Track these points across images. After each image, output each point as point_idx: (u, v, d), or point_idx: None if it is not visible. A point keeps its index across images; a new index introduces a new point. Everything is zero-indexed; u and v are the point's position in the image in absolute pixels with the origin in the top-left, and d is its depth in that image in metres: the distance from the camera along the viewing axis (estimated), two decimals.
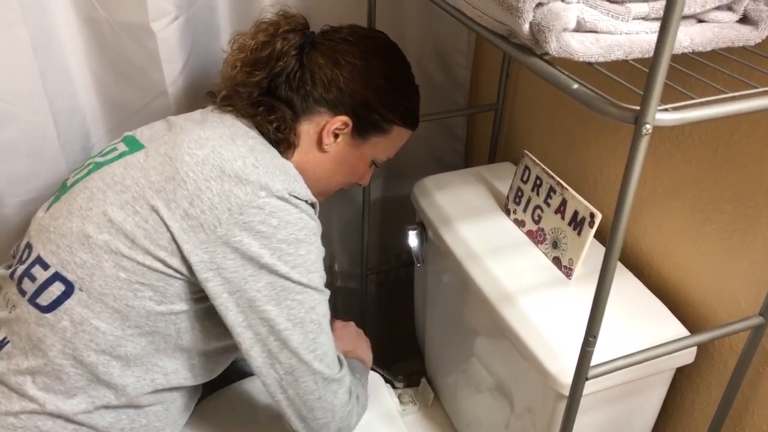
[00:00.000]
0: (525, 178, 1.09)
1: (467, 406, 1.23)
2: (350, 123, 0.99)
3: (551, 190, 1.03)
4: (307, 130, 0.99)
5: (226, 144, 0.89)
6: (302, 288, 0.87)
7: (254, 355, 0.88)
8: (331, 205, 1.47)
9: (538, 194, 1.06)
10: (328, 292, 0.93)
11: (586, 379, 0.74)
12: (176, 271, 0.86)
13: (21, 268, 0.91)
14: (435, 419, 1.31)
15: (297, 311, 0.88)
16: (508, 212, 1.14)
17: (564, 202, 1.01)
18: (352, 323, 1.22)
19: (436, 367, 1.34)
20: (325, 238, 1.50)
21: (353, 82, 0.98)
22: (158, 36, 1.08)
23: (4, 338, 0.91)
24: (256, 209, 0.84)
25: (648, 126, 0.57)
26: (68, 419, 0.89)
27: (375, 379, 1.32)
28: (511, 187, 1.13)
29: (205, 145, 0.88)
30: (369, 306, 1.53)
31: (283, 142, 0.97)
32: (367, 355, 1.19)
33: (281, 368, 0.89)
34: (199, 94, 1.13)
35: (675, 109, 0.59)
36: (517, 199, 1.11)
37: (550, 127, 1.24)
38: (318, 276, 0.90)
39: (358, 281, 1.50)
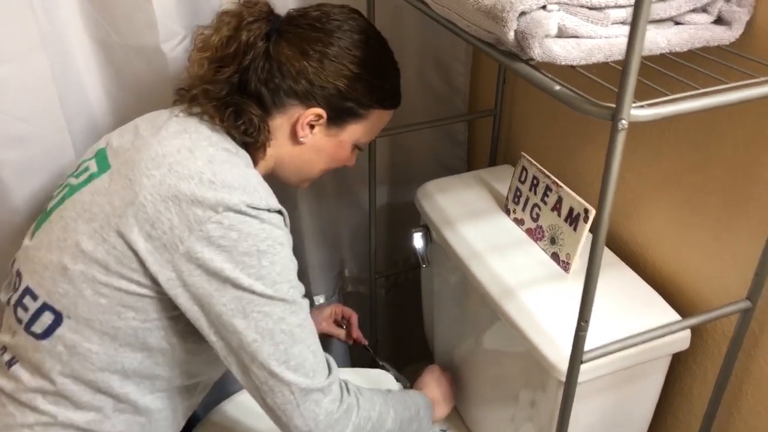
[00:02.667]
0: (522, 179, 1.14)
1: (476, 403, 1.27)
2: (324, 114, 0.98)
3: (547, 188, 1.08)
4: (280, 124, 0.98)
5: (184, 159, 0.88)
6: (267, 300, 0.86)
7: (231, 363, 0.90)
8: (339, 212, 1.52)
9: (535, 193, 1.11)
10: (301, 302, 0.91)
11: (582, 363, 0.79)
12: (150, 290, 0.87)
13: (15, 297, 0.94)
14: (446, 418, 1.35)
15: (265, 323, 0.87)
16: (508, 212, 1.18)
17: (560, 200, 1.05)
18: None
19: (445, 365, 1.38)
20: (335, 245, 1.57)
21: (323, 72, 0.95)
22: (168, 56, 1.13)
23: (12, 358, 0.94)
24: (215, 224, 0.84)
25: (624, 121, 0.61)
26: (80, 428, 0.92)
27: (386, 377, 1.36)
28: (510, 188, 1.17)
29: (162, 163, 0.87)
30: (379, 310, 1.58)
31: (252, 144, 0.96)
32: (442, 404, 1.20)
33: (256, 379, 0.89)
34: None
35: (649, 105, 0.63)
36: (516, 199, 1.15)
37: (547, 129, 1.28)
38: (286, 286, 0.88)
39: (368, 286, 1.55)
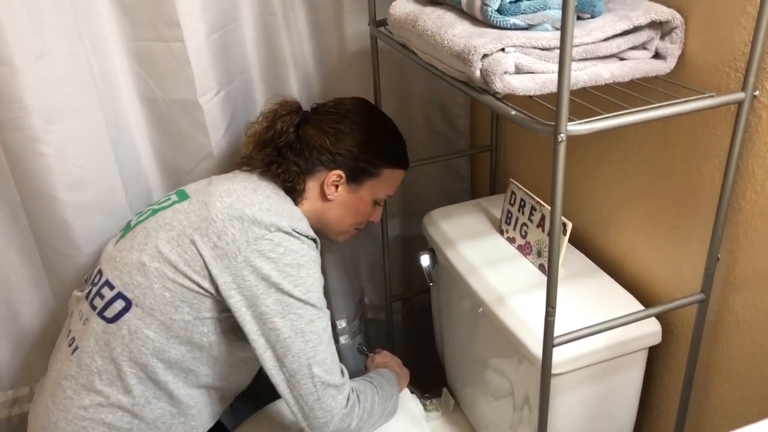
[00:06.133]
0: (512, 202, 1.29)
1: (483, 410, 1.39)
2: (343, 175, 1.24)
3: (533, 208, 1.23)
4: (312, 186, 1.24)
5: (248, 194, 1.14)
6: (302, 304, 1.09)
7: (266, 358, 1.10)
8: (357, 245, 1.68)
9: (523, 213, 1.26)
10: (327, 312, 1.14)
11: (553, 346, 0.93)
12: (206, 291, 1.09)
13: (94, 289, 1.17)
14: (457, 423, 1.47)
15: (298, 323, 1.09)
16: (501, 232, 1.33)
17: (543, 217, 1.20)
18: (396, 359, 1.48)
19: (455, 378, 1.51)
20: (354, 274, 1.73)
21: (339, 142, 1.23)
22: (204, 108, 1.32)
23: (77, 346, 1.14)
24: (267, 241, 1.08)
25: (562, 135, 0.77)
26: (126, 410, 1.11)
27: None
28: (502, 211, 1.33)
29: (232, 194, 1.13)
30: (396, 333, 1.72)
31: (293, 190, 1.21)
32: (402, 378, 1.40)
33: (287, 371, 1.10)
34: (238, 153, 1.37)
35: (583, 122, 0.79)
36: (508, 220, 1.31)
37: (536, 159, 1.44)
38: (316, 295, 1.11)
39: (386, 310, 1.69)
